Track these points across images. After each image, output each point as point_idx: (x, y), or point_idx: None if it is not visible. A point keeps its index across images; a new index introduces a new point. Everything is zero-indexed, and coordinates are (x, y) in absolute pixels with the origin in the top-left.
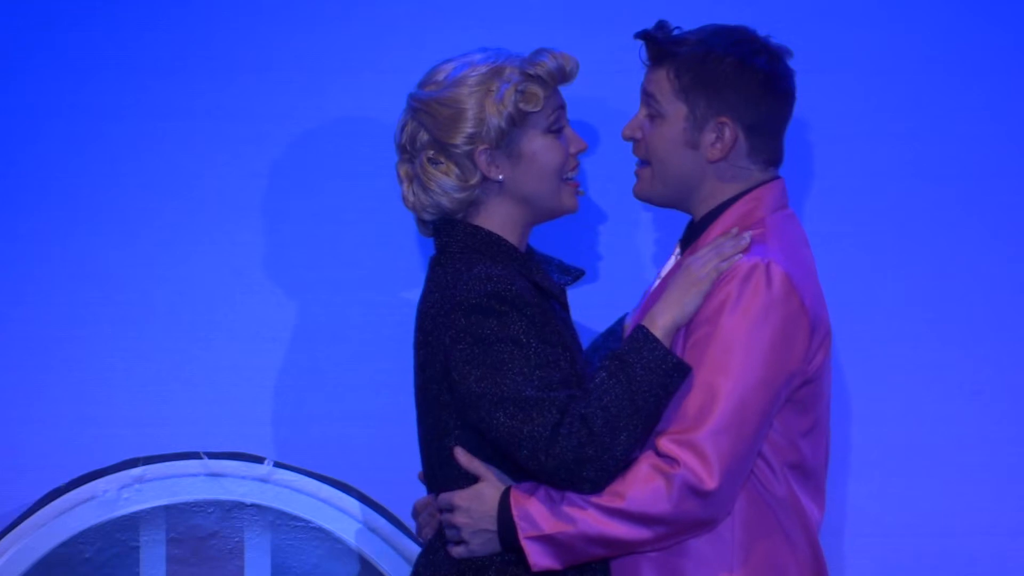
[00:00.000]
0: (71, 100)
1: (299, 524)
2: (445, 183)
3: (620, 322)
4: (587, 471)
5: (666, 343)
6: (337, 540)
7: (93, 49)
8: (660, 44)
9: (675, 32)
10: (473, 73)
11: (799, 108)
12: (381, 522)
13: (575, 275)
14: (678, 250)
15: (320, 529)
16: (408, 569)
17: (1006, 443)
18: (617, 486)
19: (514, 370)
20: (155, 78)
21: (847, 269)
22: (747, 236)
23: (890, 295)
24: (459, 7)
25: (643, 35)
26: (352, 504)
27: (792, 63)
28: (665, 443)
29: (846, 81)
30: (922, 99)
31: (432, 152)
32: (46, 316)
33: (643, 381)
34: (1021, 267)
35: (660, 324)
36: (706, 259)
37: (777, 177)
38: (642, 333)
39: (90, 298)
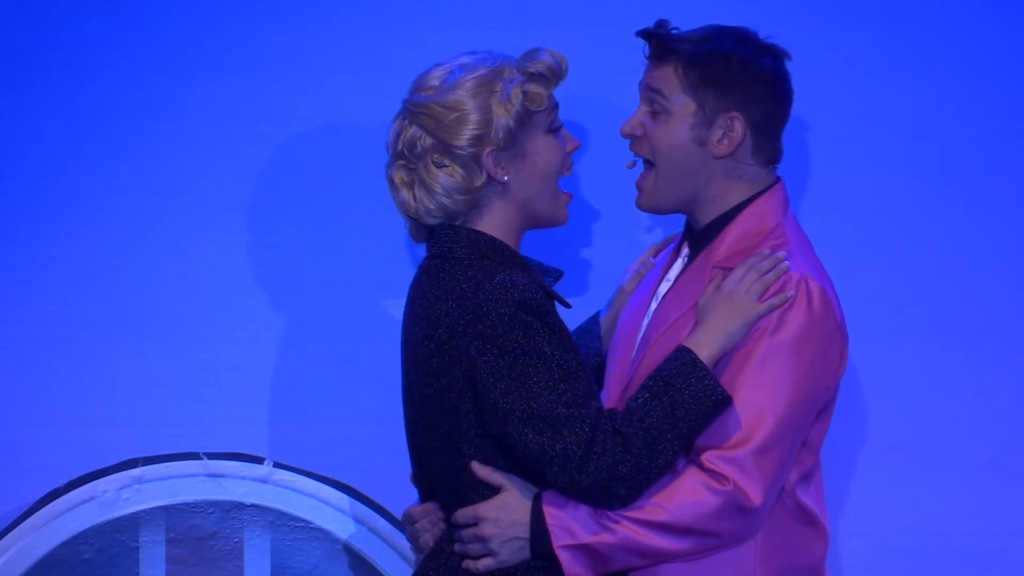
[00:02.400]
0: (71, 100)
1: (299, 524)
2: (450, 185)
3: (595, 320)
4: (620, 489)
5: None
6: (337, 540)
7: (93, 49)
8: (664, 41)
9: (675, 31)
10: (472, 75)
11: (799, 107)
12: (381, 522)
13: (556, 276)
14: (686, 251)
15: (320, 529)
16: (408, 569)
17: (1006, 443)
18: (659, 498)
19: (540, 384)
20: (155, 78)
21: (845, 269)
22: (784, 259)
23: (889, 295)
24: (459, 7)
25: (645, 33)
26: (352, 504)
27: (791, 63)
28: (712, 459)
29: (844, 81)
30: (920, 99)
31: (436, 155)
32: (46, 316)
33: (689, 408)
34: (1021, 267)
35: (706, 354)
36: (749, 287)
37: (779, 178)
38: (689, 358)
39: (90, 298)
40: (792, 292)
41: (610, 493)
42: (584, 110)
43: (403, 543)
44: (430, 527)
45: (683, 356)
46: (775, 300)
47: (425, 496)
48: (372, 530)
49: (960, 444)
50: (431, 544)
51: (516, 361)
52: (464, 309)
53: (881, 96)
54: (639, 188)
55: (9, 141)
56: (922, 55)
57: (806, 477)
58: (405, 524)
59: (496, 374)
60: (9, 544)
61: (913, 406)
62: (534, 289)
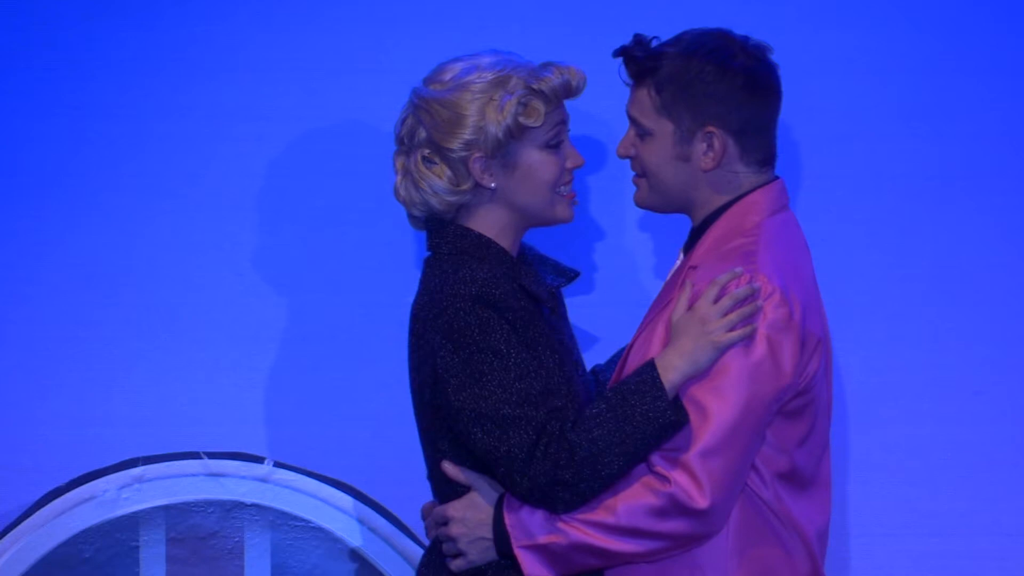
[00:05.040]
0: (71, 100)
1: (299, 524)
2: (436, 184)
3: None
4: (562, 493)
5: (672, 393)
6: (337, 540)
7: (93, 49)
8: (638, 62)
9: (653, 44)
10: (478, 79)
11: (796, 109)
12: (381, 522)
13: (570, 276)
14: (682, 255)
15: (320, 529)
16: (408, 569)
17: (1006, 443)
18: (609, 500)
19: (493, 383)
20: (155, 78)
21: (846, 269)
22: (758, 288)
23: (890, 295)
24: (459, 8)
25: (621, 52)
26: (352, 504)
27: (788, 63)
28: (657, 460)
29: (842, 81)
30: (920, 99)
31: (428, 151)
32: (46, 316)
33: (639, 425)
34: (1021, 267)
35: (670, 378)
36: (723, 314)
37: (775, 178)
38: (650, 376)
39: (90, 298)
40: (758, 285)
41: (551, 497)
42: (595, 116)
43: (403, 543)
44: (432, 523)
45: (646, 373)
46: (747, 330)
47: (432, 490)
48: (372, 530)
49: (960, 444)
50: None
51: (471, 357)
52: (433, 303)
53: (878, 96)
54: (636, 185)
55: (9, 141)
56: (919, 55)
57: (786, 479)
58: (422, 519)
59: (451, 369)
60: (9, 544)
61: (912, 406)
62: (497, 284)
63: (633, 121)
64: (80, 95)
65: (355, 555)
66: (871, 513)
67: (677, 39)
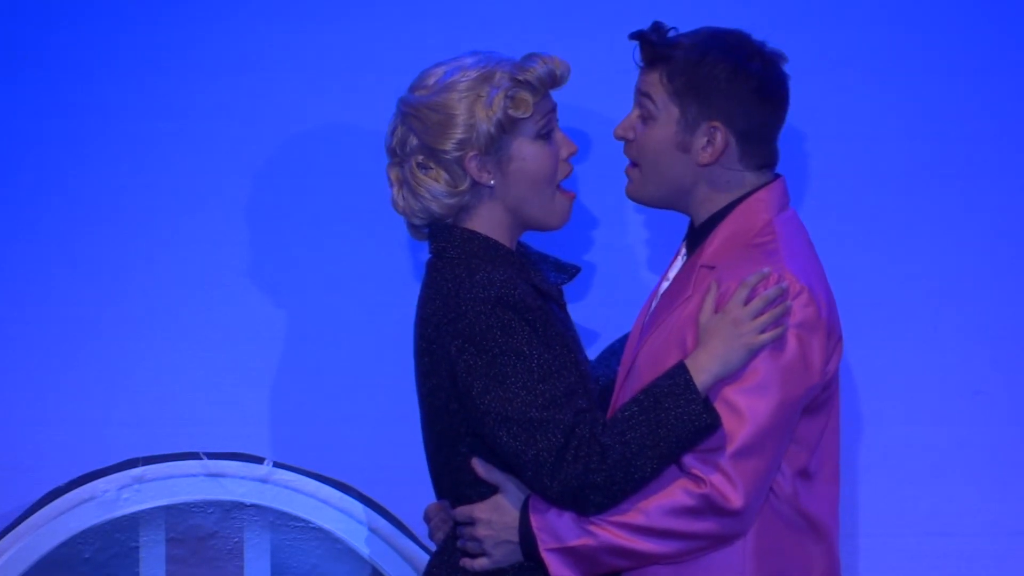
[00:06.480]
0: (71, 100)
1: (299, 524)
2: (435, 189)
3: (622, 340)
4: (593, 496)
5: (704, 395)
6: (337, 540)
7: (93, 49)
8: (655, 46)
9: (670, 34)
10: (463, 78)
11: (799, 107)
12: (381, 522)
13: (571, 273)
14: (684, 250)
15: (320, 529)
16: (408, 569)
17: (1006, 443)
18: (641, 502)
19: (518, 385)
20: (154, 78)
21: (847, 269)
22: (786, 287)
23: (890, 295)
24: (457, 8)
25: (638, 36)
26: (352, 504)
27: (790, 62)
28: (691, 462)
29: (844, 81)
30: (921, 99)
31: (421, 157)
32: (46, 316)
33: (671, 429)
34: (1021, 267)
35: (703, 379)
36: (754, 316)
37: (777, 177)
38: (683, 379)
39: (90, 298)
40: (786, 284)
41: (583, 500)
42: (587, 110)
43: (403, 543)
44: (441, 524)
45: (678, 375)
46: (778, 331)
47: (438, 492)
48: (372, 530)
49: (960, 444)
50: (442, 540)
51: (494, 360)
52: (447, 307)
53: (879, 96)
54: (627, 176)
55: (9, 141)
56: (921, 55)
57: (804, 476)
58: (425, 521)
59: (474, 373)
60: (9, 544)
61: (912, 406)
62: (515, 285)
63: (643, 98)
64: (80, 95)
65: (355, 555)
66: (871, 512)
67: (695, 32)
